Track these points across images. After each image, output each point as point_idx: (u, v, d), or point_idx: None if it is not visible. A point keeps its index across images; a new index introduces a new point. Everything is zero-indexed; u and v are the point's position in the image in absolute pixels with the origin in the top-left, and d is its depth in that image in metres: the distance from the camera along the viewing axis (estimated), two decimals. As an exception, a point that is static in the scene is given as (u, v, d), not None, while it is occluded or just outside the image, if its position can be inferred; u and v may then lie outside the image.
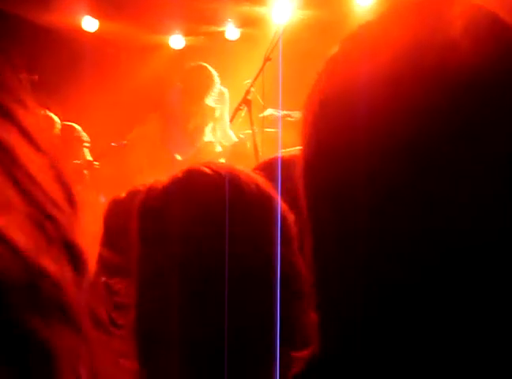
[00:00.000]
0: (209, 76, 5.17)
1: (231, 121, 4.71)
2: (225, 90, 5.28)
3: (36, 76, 6.27)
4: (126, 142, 5.36)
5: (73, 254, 0.36)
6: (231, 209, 0.94)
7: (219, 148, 5.13)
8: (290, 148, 5.15)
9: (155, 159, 6.24)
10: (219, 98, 5.23)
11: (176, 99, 5.28)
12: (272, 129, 4.79)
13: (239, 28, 6.45)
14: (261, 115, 4.88)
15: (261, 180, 1.03)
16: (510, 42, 0.59)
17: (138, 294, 0.94)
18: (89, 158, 5.21)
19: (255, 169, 1.69)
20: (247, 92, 4.43)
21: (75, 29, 6.24)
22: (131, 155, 6.38)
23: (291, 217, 0.98)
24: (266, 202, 0.98)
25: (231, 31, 6.48)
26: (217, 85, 5.20)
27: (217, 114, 5.25)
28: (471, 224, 0.56)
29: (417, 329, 0.58)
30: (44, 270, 0.33)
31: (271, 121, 4.87)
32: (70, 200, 0.38)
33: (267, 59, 4.34)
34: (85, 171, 5.10)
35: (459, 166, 0.55)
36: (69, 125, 5.17)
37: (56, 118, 5.19)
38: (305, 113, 0.65)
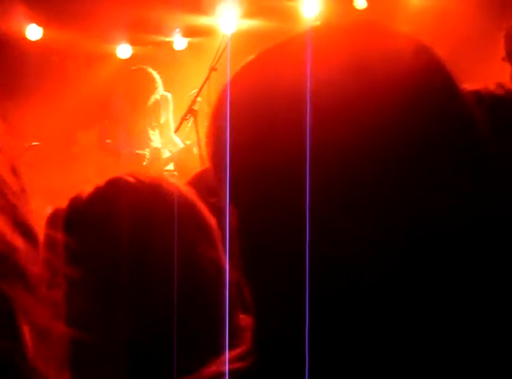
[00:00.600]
0: (150, 79, 5.19)
1: (176, 130, 4.73)
2: (168, 95, 5.30)
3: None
4: (37, 143, 5.35)
5: (28, 232, 0.47)
6: (152, 216, 0.95)
7: (167, 154, 5.14)
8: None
9: (101, 167, 6.18)
10: (162, 103, 5.24)
11: (120, 104, 5.28)
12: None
13: (186, 37, 6.45)
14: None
15: (184, 188, 1.05)
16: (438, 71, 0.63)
17: (65, 304, 0.94)
18: None
19: (191, 179, 1.70)
20: (193, 102, 4.44)
21: (19, 37, 6.15)
22: (78, 164, 6.30)
23: (213, 221, 1.00)
24: (188, 208, 1.00)
25: (179, 41, 6.48)
26: (160, 88, 5.22)
27: (162, 120, 5.27)
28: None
29: (362, 325, 0.59)
30: (14, 245, 0.44)
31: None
32: (22, 189, 0.48)
33: (212, 69, 4.36)
34: None
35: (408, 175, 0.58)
36: None
37: None
38: (214, 118, 0.65)
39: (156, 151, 5.12)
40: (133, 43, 6.61)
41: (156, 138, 5.23)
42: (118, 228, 0.95)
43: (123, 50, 6.61)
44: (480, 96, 0.66)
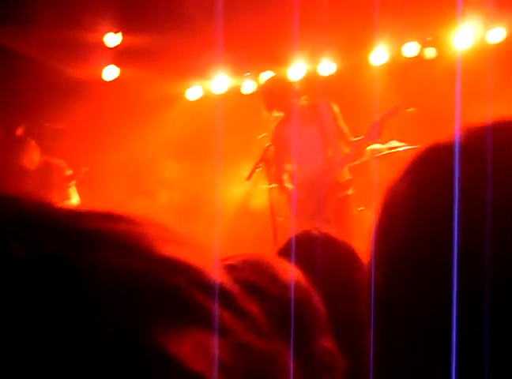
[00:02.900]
0: (288, 86, 5.04)
1: (248, 178, 4.64)
2: (335, 106, 4.96)
3: (62, 126, 6.49)
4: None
5: None
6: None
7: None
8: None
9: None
10: (328, 113, 4.92)
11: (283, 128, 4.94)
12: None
13: (255, 81, 6.64)
14: None
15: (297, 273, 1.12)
16: None
17: None
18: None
19: (285, 245, 1.73)
20: (266, 151, 4.57)
21: (96, 79, 6.45)
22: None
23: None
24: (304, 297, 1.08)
25: (248, 85, 6.69)
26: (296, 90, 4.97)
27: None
28: None
29: None
30: None
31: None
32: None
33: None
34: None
35: None
36: (51, 161, 5.55)
37: (61, 163, 5.49)
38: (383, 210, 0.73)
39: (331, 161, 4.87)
40: (203, 85, 6.86)
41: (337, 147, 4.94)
42: None
43: (193, 92, 6.87)
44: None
